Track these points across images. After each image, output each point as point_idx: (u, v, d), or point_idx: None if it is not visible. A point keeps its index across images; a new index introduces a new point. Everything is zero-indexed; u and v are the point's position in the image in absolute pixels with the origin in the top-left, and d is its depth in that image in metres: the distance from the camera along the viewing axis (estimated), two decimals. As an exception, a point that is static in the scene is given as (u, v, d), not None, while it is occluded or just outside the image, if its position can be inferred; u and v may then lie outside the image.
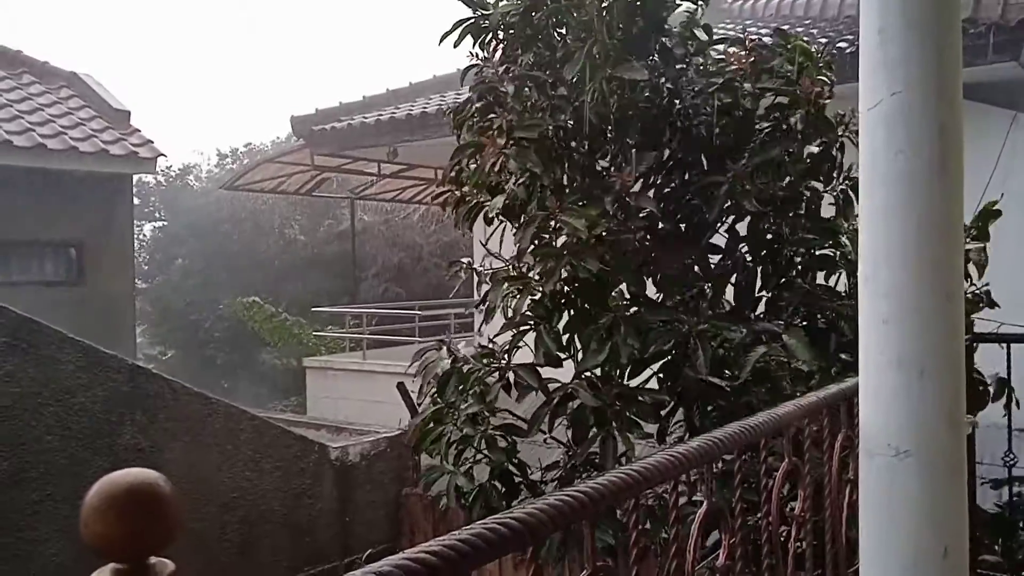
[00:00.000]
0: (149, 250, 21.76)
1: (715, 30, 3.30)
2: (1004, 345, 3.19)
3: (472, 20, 3.13)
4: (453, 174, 3.25)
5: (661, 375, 2.93)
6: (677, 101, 3.09)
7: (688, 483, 1.55)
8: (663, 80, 3.07)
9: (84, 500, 0.67)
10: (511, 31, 3.11)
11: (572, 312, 2.91)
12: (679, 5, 3.12)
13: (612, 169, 2.98)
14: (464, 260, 3.46)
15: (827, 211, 3.17)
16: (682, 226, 3.17)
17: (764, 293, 3.15)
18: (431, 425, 2.89)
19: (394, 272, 17.64)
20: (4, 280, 9.68)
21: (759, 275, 3.13)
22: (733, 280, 3.16)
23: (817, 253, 3.12)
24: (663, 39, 3.11)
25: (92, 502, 0.67)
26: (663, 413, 2.90)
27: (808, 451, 1.77)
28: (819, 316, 2.96)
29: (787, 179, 3.02)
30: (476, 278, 3.33)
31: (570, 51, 2.92)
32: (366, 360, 11.11)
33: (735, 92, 2.99)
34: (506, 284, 2.84)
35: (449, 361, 2.85)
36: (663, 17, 3.07)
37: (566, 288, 2.87)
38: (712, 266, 3.15)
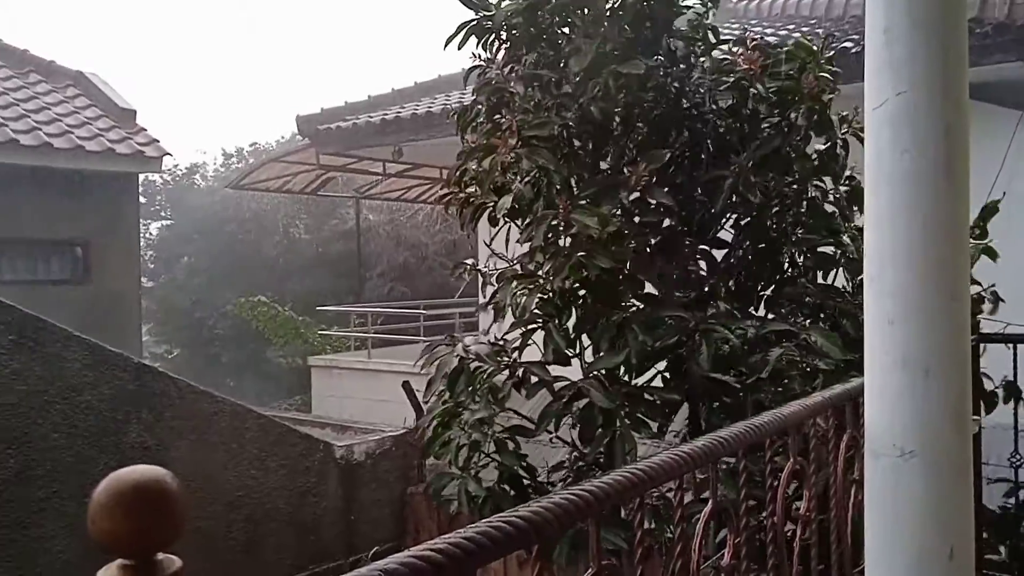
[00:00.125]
0: (155, 249, 21.81)
1: (720, 30, 3.30)
2: (1011, 346, 3.18)
3: (475, 22, 3.13)
4: (458, 175, 3.25)
5: (667, 375, 2.93)
6: (684, 100, 3.10)
7: (693, 482, 1.55)
8: (670, 79, 3.08)
9: (91, 497, 0.67)
10: (514, 32, 3.12)
11: (581, 310, 2.92)
12: (689, 8, 3.13)
13: (621, 166, 2.98)
14: (468, 261, 3.47)
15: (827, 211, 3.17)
16: (687, 224, 3.17)
17: (766, 291, 3.15)
18: (439, 429, 2.89)
19: (399, 271, 17.65)
20: (11, 278, 9.71)
21: (761, 272, 3.14)
22: (739, 278, 3.17)
23: (818, 251, 3.12)
24: (670, 40, 3.11)
25: (99, 499, 0.67)
26: (668, 411, 2.90)
27: (814, 451, 1.77)
28: (821, 314, 2.96)
29: (794, 175, 3.03)
30: (480, 278, 3.33)
31: (576, 46, 2.93)
32: (371, 359, 11.12)
33: (744, 92, 3.00)
34: (515, 282, 2.84)
35: (457, 358, 2.85)
36: (672, 19, 3.07)
37: (576, 286, 2.87)
38: (718, 261, 3.16)
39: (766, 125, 3.06)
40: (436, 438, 2.88)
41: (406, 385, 6.01)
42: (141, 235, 13.42)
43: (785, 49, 3.15)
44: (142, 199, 15.19)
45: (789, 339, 2.70)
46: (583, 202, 2.81)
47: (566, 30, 3.09)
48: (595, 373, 2.81)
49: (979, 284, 3.15)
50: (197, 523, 4.72)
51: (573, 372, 2.88)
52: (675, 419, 2.94)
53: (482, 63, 3.21)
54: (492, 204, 3.08)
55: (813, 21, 8.55)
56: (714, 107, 3.05)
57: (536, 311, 2.83)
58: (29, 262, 10.12)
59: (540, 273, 2.80)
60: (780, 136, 2.99)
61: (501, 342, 2.92)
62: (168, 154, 10.55)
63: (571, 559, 2.57)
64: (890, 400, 1.56)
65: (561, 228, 2.75)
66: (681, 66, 3.11)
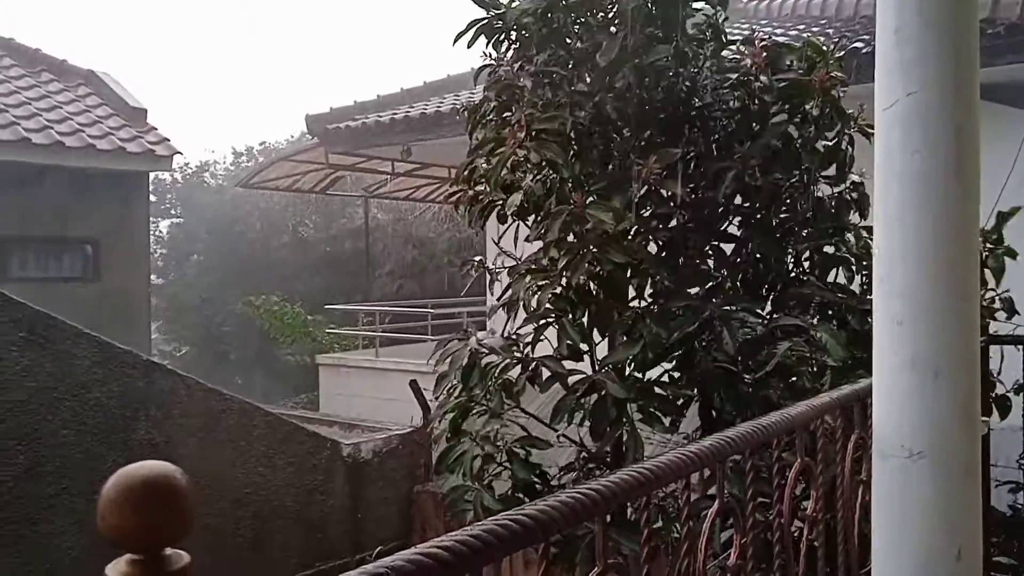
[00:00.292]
0: (165, 246, 21.89)
1: (729, 29, 3.30)
2: (1020, 347, 3.17)
3: (486, 20, 3.14)
4: (466, 173, 3.26)
5: (676, 372, 2.92)
6: (695, 99, 3.10)
7: (701, 481, 1.54)
8: (681, 79, 3.09)
9: (101, 493, 0.68)
10: (524, 32, 3.12)
11: (595, 305, 2.92)
12: (697, 12, 3.13)
13: (629, 163, 2.99)
14: (477, 258, 3.48)
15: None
16: (696, 220, 3.18)
17: (773, 290, 3.15)
18: (457, 420, 2.88)
19: (408, 270, 17.68)
20: (22, 276, 9.77)
21: (768, 269, 3.14)
22: (745, 276, 3.17)
23: (824, 250, 3.12)
24: (680, 41, 3.11)
25: (109, 494, 0.67)
26: (680, 405, 2.90)
27: (821, 451, 1.77)
28: (830, 311, 2.96)
29: (802, 168, 3.03)
30: (488, 276, 3.34)
31: (597, 42, 2.93)
32: (379, 358, 11.14)
33: (750, 86, 3.00)
34: (529, 277, 2.84)
35: (470, 352, 2.84)
36: (681, 21, 3.08)
37: (589, 283, 2.88)
38: (727, 255, 3.17)
39: (775, 120, 3.06)
40: (449, 451, 2.87)
41: (413, 384, 6.02)
42: (151, 233, 13.46)
43: (794, 45, 3.15)
44: (152, 197, 15.23)
45: (798, 334, 2.70)
46: (591, 198, 2.82)
47: (577, 29, 3.10)
48: (609, 367, 2.82)
49: (994, 289, 3.14)
50: (205, 520, 4.73)
51: (583, 369, 2.88)
52: (686, 416, 2.93)
53: (492, 62, 3.22)
54: (501, 202, 3.09)
55: (824, 21, 8.52)
56: (724, 107, 3.05)
57: (549, 306, 2.83)
58: (40, 260, 10.17)
59: (555, 268, 2.80)
60: (784, 126, 2.99)
61: (514, 336, 2.92)
62: (178, 153, 10.60)
63: (587, 559, 2.57)
64: (899, 401, 1.56)
65: (575, 223, 2.75)
66: (691, 67, 3.11)
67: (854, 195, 3.14)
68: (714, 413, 2.87)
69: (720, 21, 3.16)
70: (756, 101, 3.04)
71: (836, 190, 3.13)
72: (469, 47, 3.14)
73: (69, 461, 4.27)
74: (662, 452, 1.24)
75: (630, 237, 2.86)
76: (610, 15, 3.05)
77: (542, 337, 2.87)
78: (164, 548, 0.68)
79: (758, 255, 3.13)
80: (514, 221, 3.14)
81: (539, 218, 3.04)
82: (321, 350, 13.44)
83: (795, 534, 1.70)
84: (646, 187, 2.83)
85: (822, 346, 2.62)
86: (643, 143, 3.05)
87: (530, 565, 4.31)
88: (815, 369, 2.70)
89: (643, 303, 2.89)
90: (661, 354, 2.81)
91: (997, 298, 3.18)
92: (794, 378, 2.73)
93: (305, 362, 14.14)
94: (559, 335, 2.83)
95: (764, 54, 3.02)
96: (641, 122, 3.05)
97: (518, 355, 2.81)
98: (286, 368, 16.34)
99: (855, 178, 3.15)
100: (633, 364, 2.84)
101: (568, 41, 3.11)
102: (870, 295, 2.47)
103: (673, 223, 3.10)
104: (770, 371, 2.63)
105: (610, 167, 3.10)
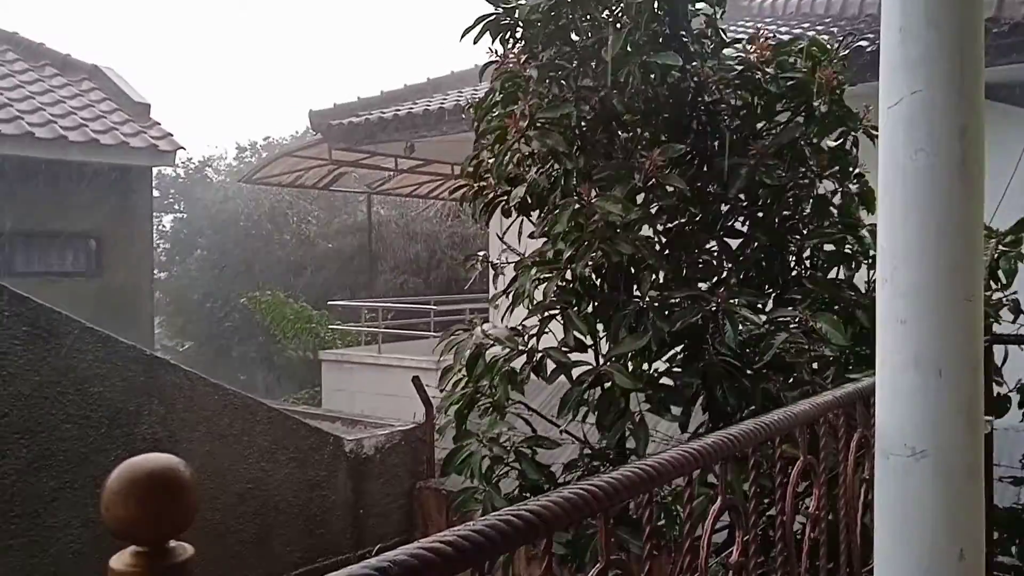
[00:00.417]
0: (169, 241, 21.91)
1: (734, 28, 3.31)
2: (1024, 347, 3.16)
3: (493, 16, 3.14)
4: (471, 168, 3.26)
5: (681, 367, 2.93)
6: (701, 97, 3.11)
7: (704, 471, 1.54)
8: (688, 75, 3.09)
9: (105, 485, 0.68)
10: (531, 29, 3.12)
11: (600, 298, 2.93)
12: (698, 11, 3.13)
13: (633, 157, 2.99)
14: (480, 254, 3.48)
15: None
16: (701, 216, 3.18)
17: (775, 288, 3.16)
18: (463, 410, 2.88)
19: (411, 265, 17.68)
20: (25, 270, 9.78)
21: (771, 267, 3.15)
22: (747, 274, 3.17)
23: (829, 247, 3.12)
24: (685, 38, 3.12)
25: (113, 486, 0.68)
26: (686, 395, 2.91)
27: (823, 449, 1.77)
28: (836, 307, 2.96)
29: (808, 167, 3.03)
30: (492, 271, 3.34)
31: (604, 37, 2.93)
32: (381, 354, 11.15)
33: (754, 82, 3.00)
34: (534, 269, 2.84)
35: (476, 343, 2.84)
36: (684, 17, 3.08)
37: (594, 276, 2.88)
38: (733, 250, 3.17)
39: (780, 119, 3.07)
40: (458, 452, 2.87)
41: (416, 380, 6.03)
42: (154, 228, 13.47)
43: (797, 43, 3.15)
44: (155, 192, 15.24)
45: (795, 325, 2.70)
46: (600, 188, 2.82)
47: (585, 26, 3.10)
48: (614, 359, 2.82)
49: (1001, 290, 3.14)
50: (207, 515, 4.75)
51: (588, 362, 2.89)
52: (692, 411, 2.94)
53: (498, 59, 3.22)
54: (505, 196, 3.09)
55: (828, 20, 8.51)
56: (729, 104, 3.05)
57: (554, 299, 2.83)
58: (43, 254, 10.19)
59: (559, 260, 2.80)
60: (797, 127, 3.00)
61: (521, 327, 2.92)
62: (182, 148, 10.61)
63: (595, 558, 2.58)
64: (902, 400, 1.56)
65: (583, 215, 2.75)
66: (695, 64, 3.12)
67: (855, 188, 3.13)
68: (719, 405, 2.88)
69: (718, 17, 3.16)
70: (762, 99, 3.05)
71: (839, 187, 3.13)
72: (476, 43, 3.14)
73: (72, 455, 4.28)
74: (664, 449, 1.24)
75: (637, 228, 2.87)
76: (616, 12, 3.05)
77: (546, 330, 2.88)
78: (168, 540, 0.69)
79: (761, 252, 3.13)
80: (518, 216, 3.15)
81: (543, 213, 3.04)
82: (324, 346, 13.45)
83: (797, 532, 1.70)
84: (650, 180, 2.83)
85: (822, 336, 2.62)
86: (648, 139, 3.05)
87: (533, 561, 4.32)
88: (814, 364, 2.70)
89: (647, 297, 2.90)
90: (665, 347, 2.81)
91: (1005, 299, 3.17)
92: (796, 373, 2.73)
93: (308, 358, 14.15)
94: (564, 327, 2.84)
95: (770, 52, 3.02)
96: (647, 118, 3.05)
97: (522, 346, 2.81)
98: (288, 364, 16.34)
99: (857, 171, 3.15)
100: (638, 357, 2.84)
101: (574, 38, 3.11)
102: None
103: (677, 219, 3.10)
104: (770, 364, 2.64)
105: (613, 161, 3.10)
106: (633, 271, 2.89)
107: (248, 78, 65.25)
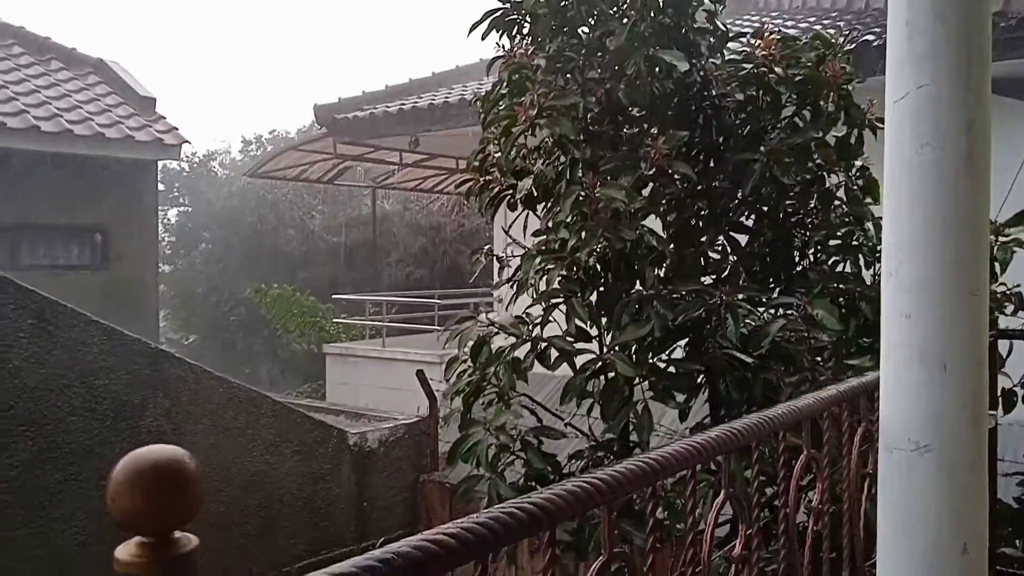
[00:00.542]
0: (174, 234, 21.96)
1: (740, 22, 3.31)
2: (1029, 342, 3.15)
3: (500, 11, 3.14)
4: (477, 162, 3.26)
5: (683, 359, 2.93)
6: (709, 90, 3.11)
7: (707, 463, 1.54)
8: (694, 69, 3.09)
9: (111, 476, 0.68)
10: (538, 23, 3.12)
11: (603, 287, 2.93)
12: (699, 7, 3.13)
13: (645, 143, 3.00)
14: (486, 247, 3.49)
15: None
16: (708, 210, 3.18)
17: (780, 283, 3.16)
18: (469, 399, 2.89)
19: (416, 258, 17.71)
20: (31, 263, 9.81)
21: (776, 261, 3.15)
22: (752, 269, 3.17)
23: (835, 240, 3.13)
24: (689, 32, 3.11)
25: (119, 477, 0.68)
26: (689, 384, 2.91)
27: (827, 444, 1.77)
28: (841, 299, 2.97)
29: (815, 162, 3.03)
30: (497, 264, 3.35)
31: (609, 29, 2.93)
32: (385, 348, 11.17)
33: (762, 80, 3.00)
34: (539, 258, 2.85)
35: (480, 331, 2.85)
36: (688, 10, 3.08)
37: (599, 266, 2.88)
38: (742, 245, 3.17)
39: (787, 115, 3.06)
40: (464, 440, 2.87)
41: (420, 374, 6.04)
42: (159, 221, 13.50)
43: (804, 41, 3.15)
44: (160, 186, 15.26)
45: (790, 310, 2.71)
46: (607, 177, 2.83)
47: (592, 21, 3.10)
48: (617, 348, 2.82)
49: (1004, 284, 3.13)
50: (212, 507, 4.76)
51: (593, 350, 2.89)
52: (694, 407, 2.94)
53: (505, 53, 3.22)
54: (511, 190, 3.09)
55: (834, 14, 8.47)
56: (735, 98, 3.05)
57: (557, 287, 2.84)
58: (49, 248, 10.21)
59: (564, 249, 2.80)
60: (809, 128, 3.00)
61: (523, 315, 2.93)
62: (187, 141, 10.62)
63: (598, 548, 2.58)
64: (906, 394, 1.55)
65: (586, 203, 2.75)
66: (702, 59, 3.12)
67: (860, 182, 3.13)
68: (722, 397, 2.88)
69: (719, 12, 3.16)
70: (769, 95, 3.04)
71: (842, 179, 3.13)
72: (483, 39, 3.15)
73: (78, 447, 4.30)
74: (668, 443, 1.24)
75: (642, 216, 2.87)
76: (622, 4, 3.05)
77: (551, 319, 2.88)
78: (173, 531, 0.69)
79: (767, 247, 3.14)
80: (524, 210, 3.15)
81: (549, 205, 3.05)
82: (328, 340, 13.47)
83: (800, 526, 1.70)
84: (654, 169, 2.83)
85: (818, 322, 2.62)
86: (654, 131, 3.05)
87: (536, 554, 4.33)
88: (818, 356, 2.70)
89: (651, 288, 2.90)
90: (668, 337, 2.81)
91: (1008, 292, 3.16)
92: (796, 362, 2.74)
93: (312, 351, 14.17)
94: (567, 315, 2.84)
95: (780, 47, 3.01)
96: (652, 111, 3.05)
97: (527, 333, 2.82)
98: (293, 357, 16.38)
99: (859, 163, 3.15)
100: (642, 351, 2.84)
101: (581, 32, 3.12)
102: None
103: (683, 212, 3.10)
104: (771, 353, 2.64)
105: (620, 152, 3.10)
106: (637, 261, 2.89)
107: (253, 72, 65.25)
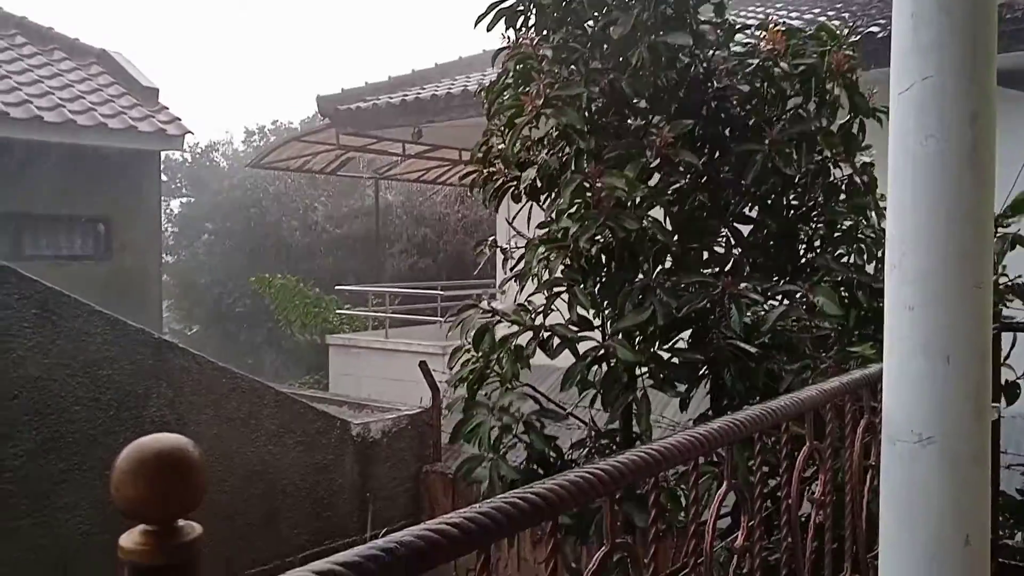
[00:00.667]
0: (177, 225, 21.95)
1: (744, 13, 3.30)
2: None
3: (506, 3, 3.14)
4: (481, 154, 3.26)
5: (686, 349, 2.94)
6: (712, 82, 3.10)
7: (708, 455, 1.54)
8: (698, 60, 3.08)
9: (115, 464, 0.69)
10: (543, 14, 3.12)
11: (606, 275, 2.93)
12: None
13: (651, 130, 2.99)
14: (490, 238, 3.49)
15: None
16: (712, 202, 3.18)
17: (784, 276, 3.16)
18: (473, 386, 2.90)
19: (420, 248, 17.71)
20: (34, 254, 9.82)
21: (780, 252, 3.15)
22: (755, 261, 3.17)
23: (838, 230, 3.12)
24: (694, 23, 3.11)
25: (123, 466, 0.68)
26: (690, 373, 2.91)
27: (829, 435, 1.77)
28: (842, 288, 2.97)
29: (819, 152, 3.03)
30: (501, 255, 3.35)
31: (612, 18, 2.93)
32: (388, 339, 11.18)
33: (768, 72, 3.00)
34: (542, 247, 2.85)
35: (481, 317, 2.85)
36: (693, 3, 3.07)
37: (602, 255, 2.88)
38: (745, 236, 3.17)
39: (791, 106, 3.06)
40: (467, 421, 2.88)
41: (423, 365, 6.04)
42: (162, 212, 13.51)
43: (809, 32, 3.14)
44: (163, 176, 15.26)
45: (791, 298, 2.71)
46: (611, 168, 2.82)
47: (596, 13, 3.09)
48: (619, 334, 2.83)
49: (1006, 275, 3.12)
50: (215, 496, 4.78)
51: (595, 338, 2.89)
52: (695, 397, 2.94)
53: (510, 44, 3.22)
54: (515, 181, 3.09)
55: (839, 5, 8.43)
56: (740, 89, 3.04)
57: (559, 276, 2.84)
58: (52, 238, 10.22)
59: (566, 238, 2.80)
60: (811, 117, 2.99)
61: (528, 304, 2.94)
62: (190, 132, 10.61)
63: (599, 534, 2.59)
64: (909, 386, 1.55)
65: (588, 191, 2.75)
66: (706, 50, 3.11)
67: (864, 177, 3.13)
68: (725, 388, 2.88)
69: (728, 4, 3.16)
70: (772, 88, 3.04)
71: (847, 172, 3.12)
72: (489, 30, 3.15)
73: (81, 437, 4.31)
74: (671, 434, 1.24)
75: (645, 206, 2.87)
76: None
77: (553, 308, 2.89)
78: (177, 519, 0.69)
79: (771, 239, 3.14)
80: (528, 201, 3.15)
81: (553, 196, 3.05)
82: (331, 330, 13.48)
83: (802, 517, 1.70)
84: (659, 158, 2.83)
85: (819, 309, 2.63)
86: (659, 119, 3.05)
87: (539, 544, 4.34)
88: (821, 347, 2.70)
89: (654, 275, 2.90)
90: (671, 327, 2.81)
91: (1011, 283, 3.16)
92: (800, 351, 2.74)
93: (315, 342, 14.18)
94: (570, 303, 2.85)
95: (782, 37, 3.01)
96: (656, 101, 3.05)
97: (529, 321, 2.82)
98: (296, 348, 16.39)
99: (865, 159, 3.14)
100: (643, 336, 2.84)
101: (586, 24, 3.11)
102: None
103: (687, 203, 3.10)
104: (773, 343, 2.64)
105: (624, 141, 3.10)
106: (641, 251, 2.89)
107: (256, 63, 65.17)
